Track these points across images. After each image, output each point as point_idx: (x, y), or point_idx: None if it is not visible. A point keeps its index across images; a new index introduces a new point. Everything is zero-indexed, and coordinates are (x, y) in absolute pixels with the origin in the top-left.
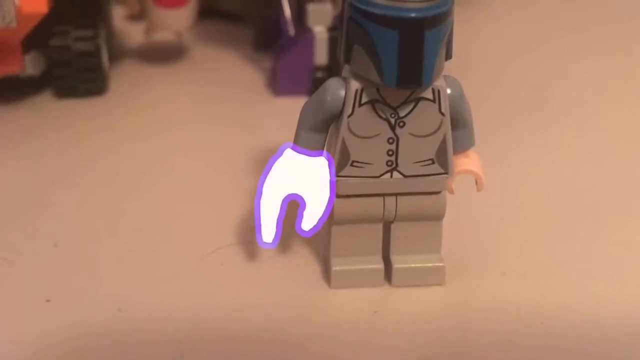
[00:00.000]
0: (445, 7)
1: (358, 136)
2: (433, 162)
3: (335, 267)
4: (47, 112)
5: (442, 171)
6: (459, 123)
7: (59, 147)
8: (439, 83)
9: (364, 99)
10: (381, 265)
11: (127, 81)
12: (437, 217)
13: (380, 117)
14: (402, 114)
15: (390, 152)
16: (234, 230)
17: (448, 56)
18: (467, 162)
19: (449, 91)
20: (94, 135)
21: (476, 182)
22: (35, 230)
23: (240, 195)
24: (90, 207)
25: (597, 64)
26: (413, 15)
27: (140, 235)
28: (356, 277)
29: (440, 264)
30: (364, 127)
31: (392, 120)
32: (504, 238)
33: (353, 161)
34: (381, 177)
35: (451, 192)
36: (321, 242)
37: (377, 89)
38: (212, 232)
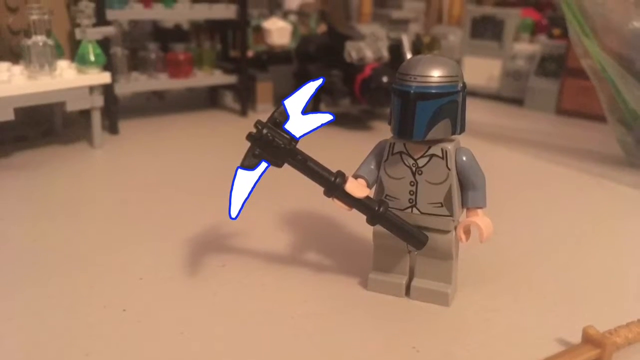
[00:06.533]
0: (435, 90)
1: (390, 176)
2: (442, 205)
3: (371, 275)
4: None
5: (448, 214)
6: (469, 185)
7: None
8: (447, 146)
9: (395, 150)
10: (403, 281)
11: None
12: (446, 256)
13: (405, 164)
14: (420, 164)
15: (412, 192)
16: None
17: (461, 129)
18: (475, 217)
19: (464, 158)
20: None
21: (480, 234)
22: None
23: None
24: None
25: None
26: (410, 90)
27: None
28: (385, 286)
29: (446, 291)
30: (394, 170)
31: (413, 169)
32: None
33: (386, 195)
34: (404, 211)
35: (460, 239)
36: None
37: (404, 144)
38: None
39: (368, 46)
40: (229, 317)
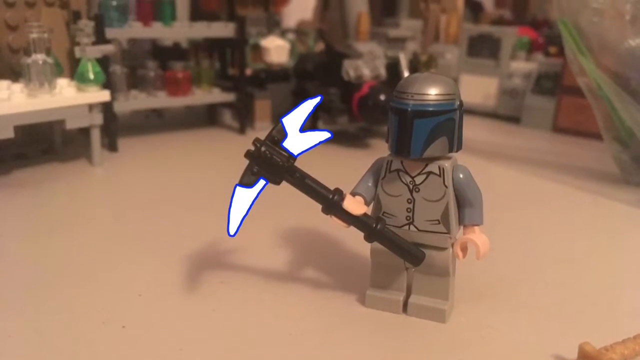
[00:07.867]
0: (433, 108)
1: (387, 194)
2: (439, 223)
3: (368, 292)
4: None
5: (445, 231)
6: (466, 202)
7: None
8: (444, 163)
9: (393, 168)
10: (400, 298)
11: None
12: (443, 273)
13: (402, 182)
14: (417, 182)
15: (409, 210)
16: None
17: (458, 147)
18: (472, 234)
19: (461, 176)
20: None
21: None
22: None
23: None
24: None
25: None
26: (407, 108)
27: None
28: (382, 302)
29: (443, 308)
30: (391, 187)
31: (410, 186)
32: None
33: (383, 212)
34: (402, 228)
35: (457, 256)
36: None
37: (401, 161)
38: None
39: (365, 64)
40: (227, 334)
